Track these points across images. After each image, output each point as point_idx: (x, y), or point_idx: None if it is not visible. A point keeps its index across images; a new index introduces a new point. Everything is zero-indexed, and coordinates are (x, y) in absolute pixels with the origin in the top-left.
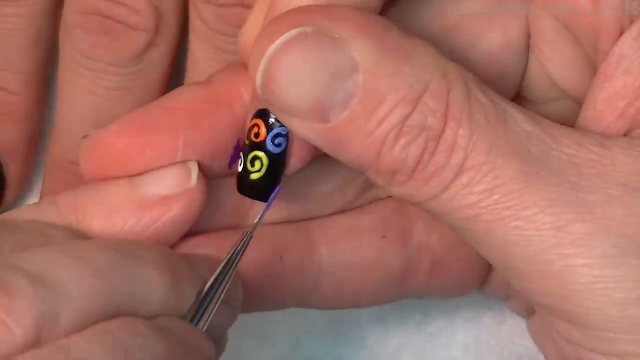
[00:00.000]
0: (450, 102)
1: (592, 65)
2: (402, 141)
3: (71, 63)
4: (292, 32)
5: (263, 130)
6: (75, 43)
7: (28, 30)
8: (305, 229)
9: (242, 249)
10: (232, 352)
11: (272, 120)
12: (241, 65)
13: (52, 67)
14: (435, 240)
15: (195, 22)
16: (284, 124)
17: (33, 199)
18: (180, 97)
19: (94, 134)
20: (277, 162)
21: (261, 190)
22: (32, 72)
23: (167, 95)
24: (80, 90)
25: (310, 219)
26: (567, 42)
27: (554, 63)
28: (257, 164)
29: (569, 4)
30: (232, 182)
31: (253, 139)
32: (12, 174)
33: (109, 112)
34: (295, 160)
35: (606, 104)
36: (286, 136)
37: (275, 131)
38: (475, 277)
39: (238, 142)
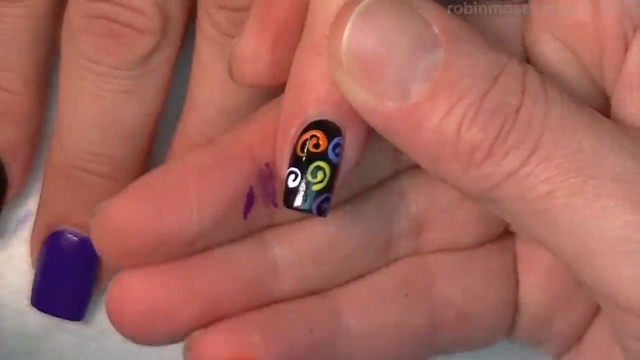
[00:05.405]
0: (527, 83)
1: (595, 87)
2: (482, 117)
3: (75, 67)
4: None
5: (323, 140)
6: (80, 47)
7: (28, 31)
8: (330, 299)
9: None
10: None
11: (330, 130)
12: (244, 126)
13: (52, 67)
14: (458, 292)
15: (205, 27)
16: (357, 109)
17: (33, 199)
18: (184, 158)
19: (103, 209)
20: (336, 172)
21: (321, 202)
22: (33, 73)
23: (169, 160)
24: (85, 95)
25: (334, 286)
26: (569, 64)
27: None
28: (320, 175)
29: (569, 5)
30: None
31: (312, 149)
32: (14, 174)
33: (114, 116)
34: (346, 167)
35: None
36: (341, 146)
37: (335, 140)
38: (502, 325)
39: (251, 189)
